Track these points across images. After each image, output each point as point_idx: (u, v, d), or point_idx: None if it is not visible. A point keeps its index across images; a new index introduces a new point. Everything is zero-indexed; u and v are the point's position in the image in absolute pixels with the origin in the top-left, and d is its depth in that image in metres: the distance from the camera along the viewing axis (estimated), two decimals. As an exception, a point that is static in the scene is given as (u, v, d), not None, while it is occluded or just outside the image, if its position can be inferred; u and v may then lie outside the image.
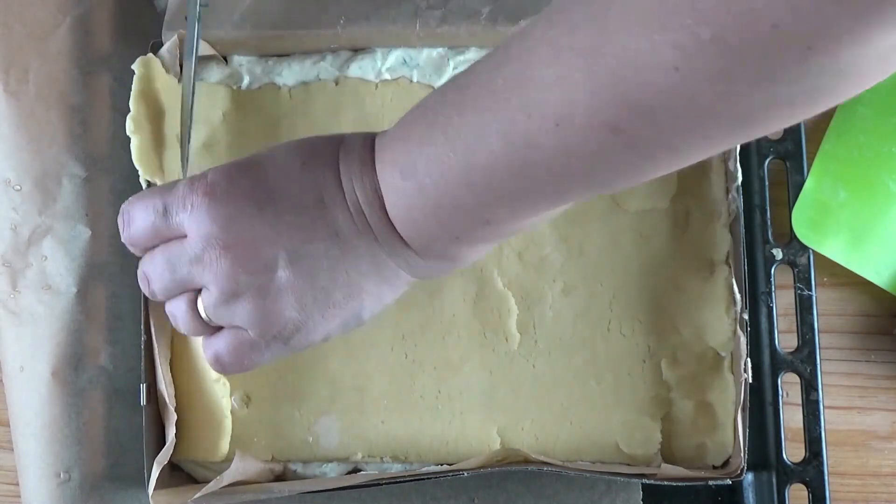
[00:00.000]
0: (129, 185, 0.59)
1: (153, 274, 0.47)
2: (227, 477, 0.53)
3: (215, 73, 0.59)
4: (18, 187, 0.58)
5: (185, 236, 0.45)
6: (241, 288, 0.44)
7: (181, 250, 0.45)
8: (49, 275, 0.58)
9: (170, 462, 0.56)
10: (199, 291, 0.46)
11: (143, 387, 0.55)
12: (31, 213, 0.58)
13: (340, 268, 0.44)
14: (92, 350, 0.58)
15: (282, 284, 0.44)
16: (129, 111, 0.55)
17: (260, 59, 0.59)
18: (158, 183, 0.56)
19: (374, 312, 0.47)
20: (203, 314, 0.46)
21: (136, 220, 0.46)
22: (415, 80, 0.59)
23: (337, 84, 0.59)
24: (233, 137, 0.58)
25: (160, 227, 0.46)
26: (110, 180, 0.59)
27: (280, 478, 0.57)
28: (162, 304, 0.50)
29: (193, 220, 0.44)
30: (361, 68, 0.59)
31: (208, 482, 0.55)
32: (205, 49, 0.57)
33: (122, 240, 0.47)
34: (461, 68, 0.59)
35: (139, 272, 0.48)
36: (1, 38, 0.59)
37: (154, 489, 0.53)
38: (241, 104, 0.59)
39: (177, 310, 0.47)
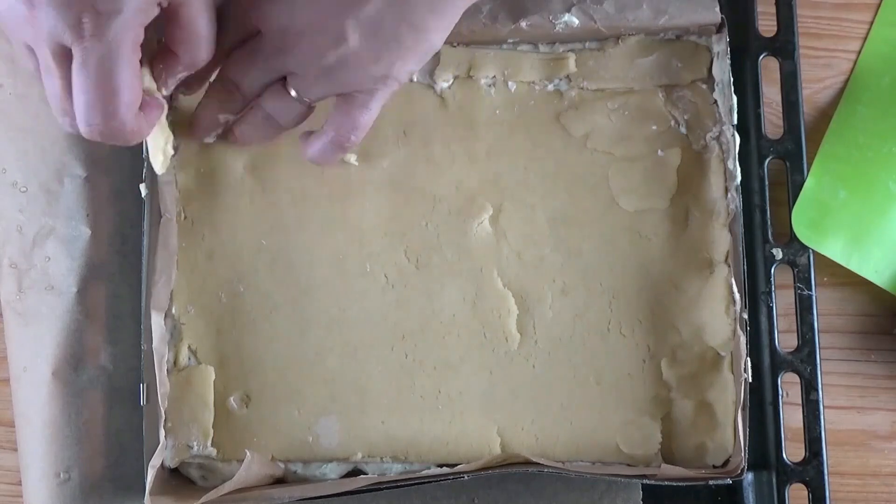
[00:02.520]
0: (129, 185, 0.59)
1: (239, 74, 0.51)
2: (229, 485, 0.53)
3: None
4: (24, 189, 0.59)
5: (259, 33, 0.49)
6: (324, 62, 0.49)
7: (260, 46, 0.50)
8: (51, 275, 0.58)
9: (170, 467, 0.56)
10: (284, 80, 0.51)
11: (143, 387, 0.56)
12: (35, 214, 0.59)
13: (403, 17, 0.48)
14: (92, 350, 0.58)
15: (358, 48, 0.48)
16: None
17: (260, 59, 0.59)
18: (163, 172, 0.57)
19: (444, 39, 0.50)
20: (296, 96, 0.51)
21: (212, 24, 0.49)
22: (415, 79, 0.59)
23: (337, 84, 0.59)
24: (232, 137, 0.58)
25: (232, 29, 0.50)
26: (110, 180, 0.59)
27: (280, 479, 0.57)
28: (162, 311, 0.54)
29: (262, 17, 0.49)
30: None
31: (207, 486, 0.55)
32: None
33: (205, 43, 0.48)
34: (461, 68, 0.59)
35: (221, 86, 0.52)
36: (9, 42, 0.59)
37: (152, 494, 0.53)
38: (241, 104, 0.59)
39: (274, 106, 0.52)
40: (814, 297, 0.58)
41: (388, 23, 0.48)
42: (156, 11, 0.45)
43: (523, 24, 0.57)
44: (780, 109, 0.59)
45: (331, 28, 0.48)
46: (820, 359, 0.57)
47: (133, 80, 0.45)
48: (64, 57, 0.45)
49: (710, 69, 0.58)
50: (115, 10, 0.43)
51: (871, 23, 0.61)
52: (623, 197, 0.58)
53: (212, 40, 0.49)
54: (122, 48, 0.44)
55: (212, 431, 0.57)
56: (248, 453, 0.53)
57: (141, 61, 0.46)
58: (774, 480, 0.57)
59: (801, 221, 0.58)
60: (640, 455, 0.56)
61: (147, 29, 0.46)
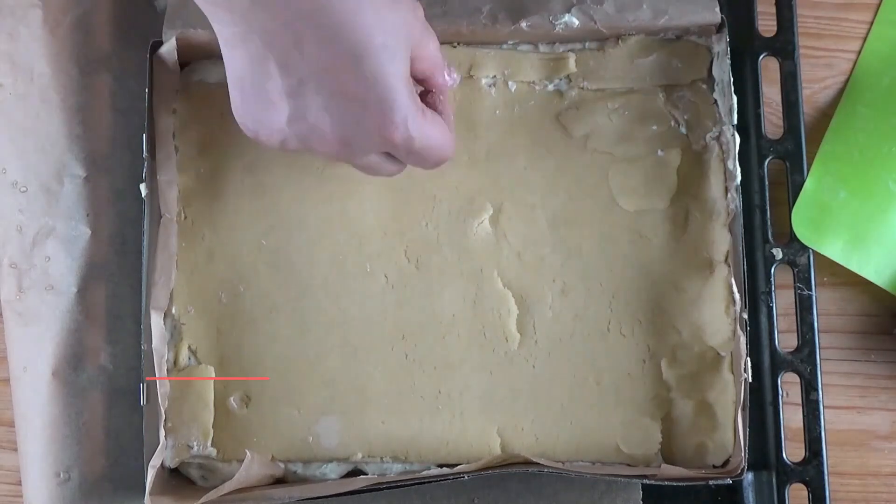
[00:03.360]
0: (129, 184, 0.59)
1: None
2: (229, 486, 0.53)
3: (214, 73, 0.59)
4: (24, 189, 0.59)
5: None
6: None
7: None
8: (51, 275, 0.58)
9: (170, 467, 0.56)
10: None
11: (143, 386, 0.56)
12: (35, 214, 0.59)
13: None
14: (92, 350, 0.58)
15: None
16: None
17: (260, 59, 0.59)
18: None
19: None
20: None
21: None
22: (414, 79, 0.59)
23: (337, 84, 0.59)
24: (231, 138, 0.58)
25: None
26: (110, 180, 0.59)
27: (280, 479, 0.57)
28: (162, 312, 0.55)
29: None
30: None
31: (207, 486, 0.55)
32: (204, 48, 0.57)
33: None
34: (461, 68, 0.59)
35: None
36: (9, 42, 0.59)
37: (152, 494, 0.53)
38: (241, 104, 0.59)
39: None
40: (814, 297, 0.58)
41: None
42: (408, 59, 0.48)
43: (523, 24, 0.57)
44: (780, 109, 0.59)
45: None
46: (820, 359, 0.57)
47: (439, 132, 0.50)
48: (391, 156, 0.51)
49: (710, 69, 0.58)
50: (406, 134, 0.48)
51: (871, 23, 0.61)
52: (623, 197, 0.58)
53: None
54: (426, 136, 0.49)
55: (212, 431, 0.57)
56: (248, 453, 0.53)
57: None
58: (774, 480, 0.57)
59: (801, 221, 0.58)
60: (640, 455, 0.56)
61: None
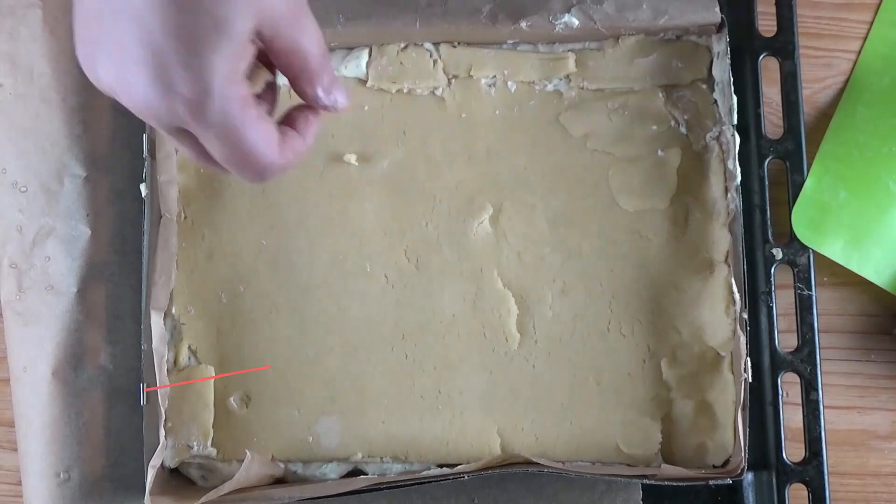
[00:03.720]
0: (128, 184, 0.59)
1: None
2: (229, 486, 0.53)
3: (215, 72, 0.59)
4: (24, 189, 0.59)
5: None
6: None
7: None
8: (51, 275, 0.58)
9: (170, 467, 0.56)
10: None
11: (143, 387, 0.56)
12: (35, 214, 0.59)
13: None
14: (92, 350, 0.58)
15: None
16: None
17: (260, 59, 0.59)
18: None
19: None
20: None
21: None
22: (414, 79, 0.59)
23: (336, 84, 0.59)
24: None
25: None
26: (110, 180, 0.59)
27: (280, 479, 0.57)
28: (162, 312, 0.55)
29: None
30: (359, 67, 0.59)
31: (207, 486, 0.55)
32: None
33: None
34: (461, 68, 0.59)
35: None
36: (9, 42, 0.59)
37: (152, 494, 0.53)
38: (241, 104, 0.59)
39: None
40: (814, 297, 0.58)
41: None
42: (252, 53, 0.40)
43: (523, 24, 0.57)
44: (780, 109, 0.59)
45: None
46: (820, 359, 0.57)
47: (259, 130, 0.41)
48: (187, 134, 0.42)
49: (710, 69, 0.58)
50: (205, 88, 0.39)
51: (871, 23, 0.61)
52: (623, 197, 0.58)
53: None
54: (233, 115, 0.40)
55: (212, 431, 0.57)
56: (248, 453, 0.53)
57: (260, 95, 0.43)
58: (774, 480, 0.57)
59: (801, 221, 0.58)
60: (640, 455, 0.56)
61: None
